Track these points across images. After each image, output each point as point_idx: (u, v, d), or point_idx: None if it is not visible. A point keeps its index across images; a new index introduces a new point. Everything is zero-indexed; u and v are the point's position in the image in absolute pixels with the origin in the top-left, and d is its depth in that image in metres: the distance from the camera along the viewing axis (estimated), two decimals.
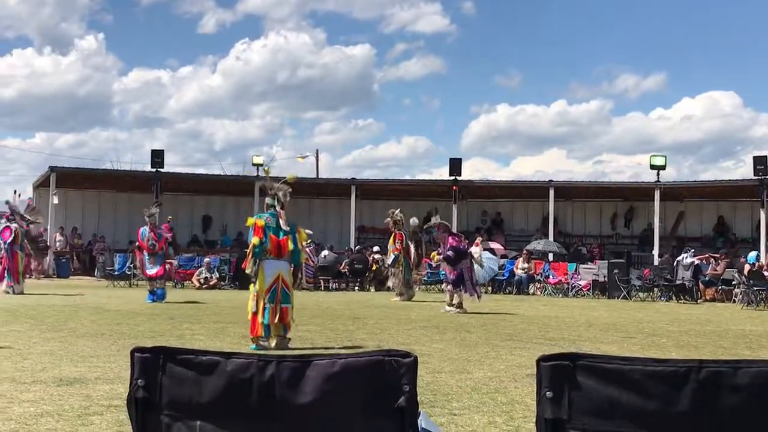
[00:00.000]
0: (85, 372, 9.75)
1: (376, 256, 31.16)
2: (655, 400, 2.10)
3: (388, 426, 2.20)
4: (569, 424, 2.15)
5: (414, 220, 26.60)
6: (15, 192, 26.95)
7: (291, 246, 12.94)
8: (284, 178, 13.72)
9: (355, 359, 2.22)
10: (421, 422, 2.53)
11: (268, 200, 13.38)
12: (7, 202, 26.85)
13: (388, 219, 26.35)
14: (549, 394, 2.15)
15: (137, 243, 23.29)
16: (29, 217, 25.29)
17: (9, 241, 24.07)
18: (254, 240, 12.82)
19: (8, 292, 23.34)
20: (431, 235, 23.54)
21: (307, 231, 29.49)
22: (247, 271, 13.10)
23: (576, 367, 2.15)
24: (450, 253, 20.25)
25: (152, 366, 2.25)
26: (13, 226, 24.34)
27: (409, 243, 25.86)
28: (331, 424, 2.21)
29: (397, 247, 25.54)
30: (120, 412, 7.50)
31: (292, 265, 13.29)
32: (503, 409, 8.03)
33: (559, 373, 2.15)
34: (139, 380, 2.25)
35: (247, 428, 2.21)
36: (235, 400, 2.21)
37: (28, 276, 25.44)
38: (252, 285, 12.96)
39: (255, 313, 12.60)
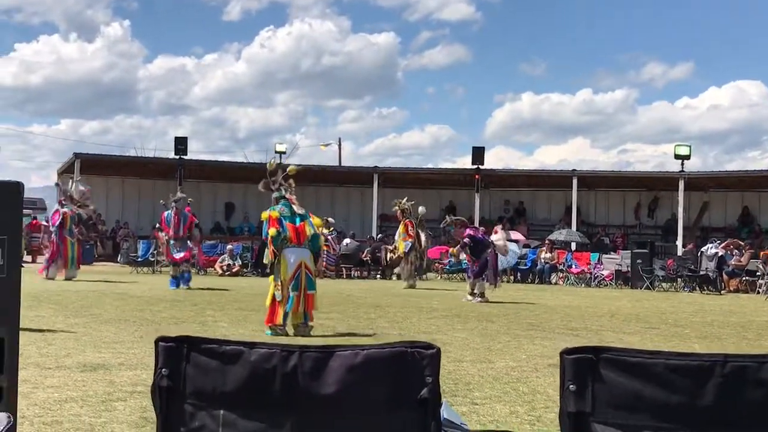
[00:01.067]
0: (108, 358, 9.82)
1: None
2: (679, 394, 2.09)
3: (410, 417, 2.20)
4: (592, 418, 2.14)
5: (422, 209, 26.58)
6: (72, 179, 26.88)
7: (310, 230, 13.01)
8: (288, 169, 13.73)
9: (378, 350, 2.23)
10: (444, 412, 2.54)
11: (275, 195, 13.34)
12: (57, 185, 26.87)
13: (396, 208, 26.40)
14: (572, 387, 2.14)
15: (159, 226, 23.32)
16: (80, 202, 25.21)
17: (57, 224, 24.13)
18: (271, 231, 12.89)
19: (52, 278, 23.42)
20: (449, 234, 23.54)
21: (330, 219, 29.78)
22: (265, 261, 13.19)
23: (599, 360, 2.14)
24: (466, 239, 20.29)
25: (176, 355, 2.26)
26: (63, 210, 24.37)
27: (419, 231, 25.87)
28: (354, 415, 2.22)
29: (410, 234, 25.54)
30: (143, 398, 7.56)
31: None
32: (525, 399, 8.03)
33: (583, 366, 2.14)
34: (164, 369, 2.26)
35: (270, 418, 2.22)
36: (258, 389, 2.22)
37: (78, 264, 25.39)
38: (273, 275, 13.01)
39: (279, 302, 12.65)
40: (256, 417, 2.23)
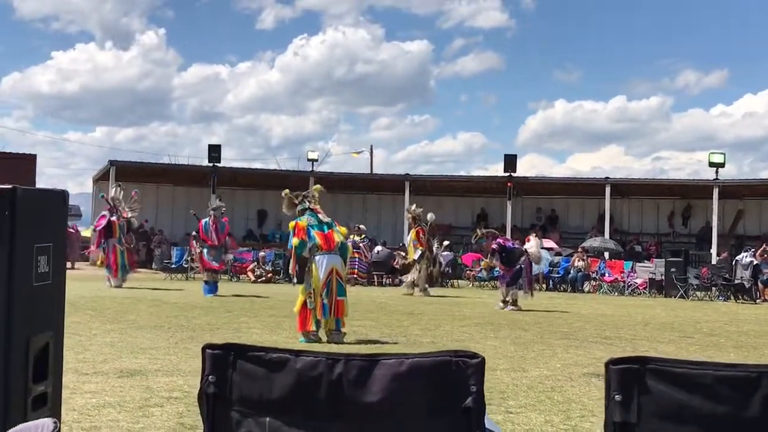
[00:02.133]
0: (145, 364, 9.90)
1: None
2: (726, 405, 2.08)
3: (455, 426, 2.21)
4: (638, 428, 2.14)
5: (431, 216, 26.53)
6: (119, 185, 26.98)
7: (339, 237, 13.15)
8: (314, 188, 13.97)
9: (422, 359, 2.24)
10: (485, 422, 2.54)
11: (299, 208, 13.44)
12: (102, 196, 27.04)
13: (408, 215, 26.40)
14: (618, 397, 2.14)
15: (195, 233, 23.40)
16: (128, 209, 25.34)
17: (100, 228, 24.28)
18: (294, 241, 13.06)
19: (111, 286, 23.65)
20: (480, 245, 23.50)
21: (361, 226, 29.85)
22: (290, 272, 13.34)
23: (645, 370, 2.14)
24: (495, 246, 20.29)
25: (223, 362, 2.29)
26: (112, 218, 24.52)
27: (430, 238, 25.80)
28: (398, 424, 2.23)
29: (422, 241, 25.49)
30: (180, 404, 7.62)
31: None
32: (560, 408, 8.00)
33: (629, 377, 2.14)
34: (210, 376, 2.28)
35: (316, 426, 2.24)
36: (303, 397, 2.24)
37: (133, 270, 25.56)
38: (303, 284, 13.11)
39: (311, 310, 12.73)
40: (302, 424, 2.25)
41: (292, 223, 13.39)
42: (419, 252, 25.44)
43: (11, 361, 3.22)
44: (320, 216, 13.25)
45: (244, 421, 2.28)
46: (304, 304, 12.81)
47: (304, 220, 13.14)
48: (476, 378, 2.21)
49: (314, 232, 12.97)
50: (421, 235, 25.56)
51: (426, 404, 2.22)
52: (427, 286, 25.06)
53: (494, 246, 20.29)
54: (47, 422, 2.50)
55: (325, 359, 2.24)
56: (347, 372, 2.22)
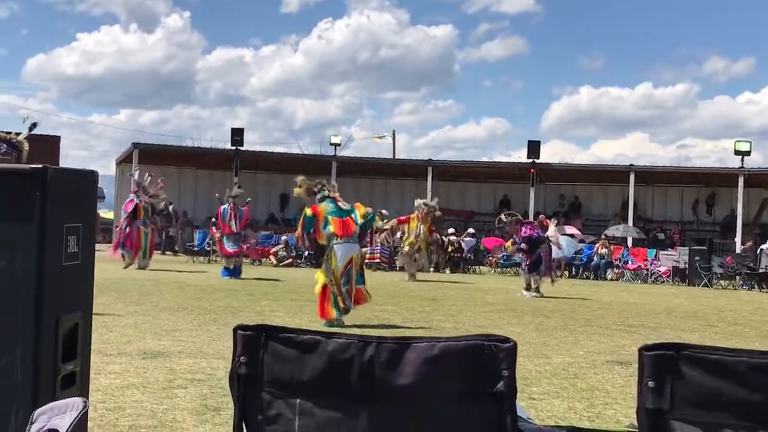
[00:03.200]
0: (168, 345, 9.96)
1: (452, 237, 31.13)
2: (761, 393, 2.06)
3: (486, 410, 2.21)
4: (670, 415, 2.13)
5: (418, 202, 26.56)
6: (148, 174, 27.11)
7: (358, 221, 13.17)
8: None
9: (454, 342, 2.23)
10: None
11: (319, 196, 13.47)
12: (130, 175, 27.21)
13: (425, 208, 26.45)
14: (651, 383, 2.13)
15: (215, 220, 23.54)
16: (153, 192, 25.48)
17: (129, 211, 24.44)
18: (307, 211, 13.14)
19: (126, 267, 23.80)
20: (504, 230, 23.42)
21: (383, 211, 29.84)
22: (299, 243, 13.40)
23: (679, 357, 2.12)
24: (523, 245, 20.23)
25: (254, 343, 2.29)
26: (137, 200, 24.68)
27: (422, 225, 25.63)
28: (430, 407, 2.22)
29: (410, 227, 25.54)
30: (203, 386, 7.67)
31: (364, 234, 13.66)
32: (583, 396, 7.99)
33: (662, 363, 2.12)
34: (242, 357, 2.29)
35: (347, 408, 2.24)
36: (335, 379, 2.24)
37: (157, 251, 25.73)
38: (322, 271, 13.12)
39: (333, 296, 12.77)
40: (333, 406, 2.25)
41: (309, 210, 13.38)
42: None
43: (41, 341, 3.25)
44: (340, 204, 13.28)
45: (275, 403, 2.29)
46: (324, 287, 12.85)
47: (324, 207, 13.18)
48: (508, 362, 2.21)
49: (333, 218, 12.99)
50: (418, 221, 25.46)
51: (457, 388, 2.21)
52: (414, 270, 24.99)
53: (523, 245, 20.20)
54: (77, 401, 2.52)
55: (356, 341, 2.24)
56: (379, 355, 2.22)
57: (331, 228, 12.92)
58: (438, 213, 27.05)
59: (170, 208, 33.72)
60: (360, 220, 13.31)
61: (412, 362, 2.20)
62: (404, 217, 26.37)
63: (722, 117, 73.24)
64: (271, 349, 2.28)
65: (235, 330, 2.33)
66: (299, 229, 13.62)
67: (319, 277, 13.14)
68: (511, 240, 21.57)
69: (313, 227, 13.12)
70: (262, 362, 2.28)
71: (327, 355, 2.24)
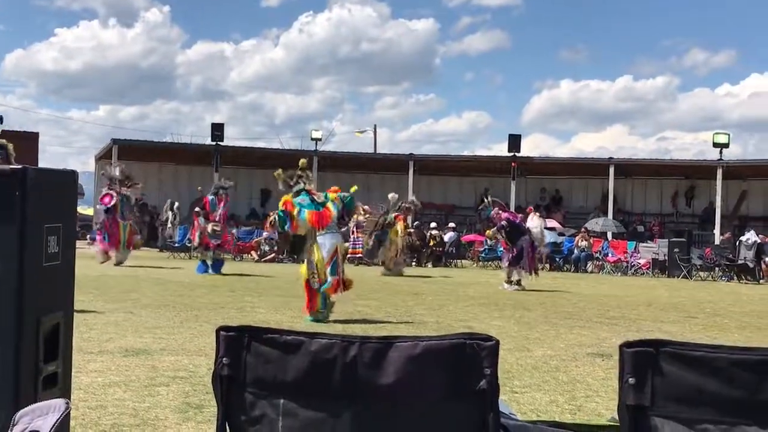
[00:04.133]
0: (149, 343, 9.93)
1: (433, 231, 31.18)
2: (741, 389, 2.08)
3: (469, 408, 2.22)
4: (651, 411, 2.14)
5: (393, 195, 26.71)
6: (111, 164, 26.92)
7: (333, 211, 13.18)
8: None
9: (437, 342, 2.24)
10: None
11: (295, 189, 13.46)
12: (103, 173, 27.04)
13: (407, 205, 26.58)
14: (632, 380, 2.14)
15: (201, 209, 23.27)
16: (127, 182, 25.27)
17: (111, 205, 24.25)
18: (279, 206, 13.16)
19: (103, 262, 23.68)
20: (486, 216, 23.38)
21: (365, 207, 29.84)
22: (273, 225, 13.33)
23: (660, 353, 2.14)
24: (503, 223, 20.21)
25: (237, 344, 2.29)
26: (114, 193, 24.50)
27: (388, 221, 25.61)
28: (413, 405, 2.23)
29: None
30: (185, 383, 7.65)
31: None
32: (565, 389, 8.02)
33: (643, 360, 2.14)
34: (224, 358, 2.29)
35: (330, 407, 2.24)
36: (318, 379, 2.25)
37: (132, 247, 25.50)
38: (304, 265, 13.16)
39: (316, 289, 12.78)
40: (316, 406, 2.25)
41: (285, 197, 13.36)
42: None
43: (22, 341, 3.23)
44: (314, 196, 13.26)
45: (258, 403, 2.29)
46: (308, 282, 12.86)
47: (299, 202, 13.13)
48: (490, 360, 2.21)
49: (308, 211, 12.97)
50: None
51: (440, 386, 2.22)
52: (391, 266, 24.97)
53: (503, 222, 20.22)
54: (59, 402, 2.51)
55: (339, 341, 2.24)
56: (362, 354, 2.22)
57: (306, 216, 12.90)
58: (417, 205, 27.12)
59: (144, 199, 33.40)
60: (338, 204, 13.34)
61: (395, 361, 2.21)
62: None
63: (702, 109, 73.72)
64: (254, 350, 2.28)
65: (217, 331, 2.32)
66: (273, 217, 13.44)
67: (302, 271, 13.16)
68: (495, 228, 21.47)
69: (288, 223, 13.06)
70: (245, 363, 2.29)
71: (310, 356, 2.24)
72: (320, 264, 12.82)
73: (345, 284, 13.14)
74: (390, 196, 26.74)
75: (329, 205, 13.28)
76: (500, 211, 20.79)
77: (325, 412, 2.24)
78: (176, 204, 33.55)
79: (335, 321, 12.67)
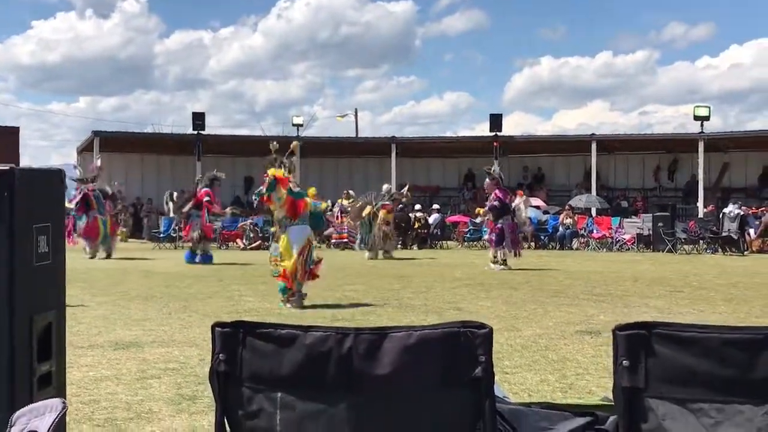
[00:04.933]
0: (139, 335, 9.92)
1: (419, 214, 31.22)
2: (733, 368, 2.11)
3: (465, 396, 2.24)
4: (646, 393, 2.17)
5: (388, 186, 26.94)
6: (75, 166, 26.81)
7: (309, 206, 13.19)
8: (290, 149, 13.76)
9: (431, 331, 2.26)
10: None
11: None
12: (75, 167, 26.92)
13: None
14: (625, 362, 2.17)
15: (208, 199, 23.04)
16: (89, 177, 25.14)
17: (78, 201, 24.12)
18: (272, 173, 13.07)
19: (92, 257, 23.66)
20: (481, 185, 23.14)
21: (350, 191, 29.84)
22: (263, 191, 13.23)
23: (652, 335, 2.16)
24: (496, 203, 20.18)
25: (233, 340, 2.30)
26: (83, 190, 24.39)
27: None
28: (409, 395, 2.25)
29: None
30: (177, 375, 7.65)
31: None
32: (555, 367, 8.06)
33: (636, 342, 2.16)
34: (221, 354, 2.30)
35: (327, 399, 2.26)
36: (314, 372, 2.26)
37: (113, 237, 25.39)
38: (278, 253, 13.18)
39: (279, 276, 12.84)
40: (314, 398, 2.27)
41: (272, 171, 13.20)
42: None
43: (16, 342, 3.23)
44: (291, 186, 13.18)
45: (256, 397, 2.30)
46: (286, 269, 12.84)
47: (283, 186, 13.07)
48: (484, 348, 2.23)
49: (287, 197, 12.95)
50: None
51: (436, 375, 2.24)
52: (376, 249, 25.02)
53: (495, 203, 20.17)
54: (56, 402, 2.51)
55: (334, 334, 2.26)
56: (357, 346, 2.24)
57: (284, 198, 12.86)
58: (408, 198, 27.46)
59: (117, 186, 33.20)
60: (310, 206, 13.36)
61: (390, 352, 2.22)
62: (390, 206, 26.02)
63: (682, 83, 73.76)
64: (250, 345, 2.29)
65: (213, 327, 2.34)
66: (264, 186, 13.31)
67: (284, 257, 13.11)
68: (485, 209, 21.32)
69: (274, 190, 12.95)
70: (241, 358, 2.30)
71: (305, 349, 2.25)
72: (288, 255, 12.79)
73: (312, 273, 13.09)
74: (385, 187, 26.68)
75: (307, 199, 13.28)
76: (495, 188, 20.54)
77: (322, 404, 2.25)
78: (175, 194, 33.39)
79: (322, 305, 12.69)
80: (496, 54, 79.86)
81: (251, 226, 30.41)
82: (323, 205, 14.17)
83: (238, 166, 40.98)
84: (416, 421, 2.26)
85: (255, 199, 13.73)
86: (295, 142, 14.25)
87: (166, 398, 6.80)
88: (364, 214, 25.28)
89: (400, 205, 28.37)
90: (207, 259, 22.30)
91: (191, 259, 22.21)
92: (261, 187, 13.30)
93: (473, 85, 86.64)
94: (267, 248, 28.87)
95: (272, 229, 13.77)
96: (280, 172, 13.10)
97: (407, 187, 28.85)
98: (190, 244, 22.85)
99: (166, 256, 25.28)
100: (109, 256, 23.82)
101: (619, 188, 40.08)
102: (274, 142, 13.60)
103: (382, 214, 25.03)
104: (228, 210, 22.77)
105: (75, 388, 7.06)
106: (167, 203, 31.36)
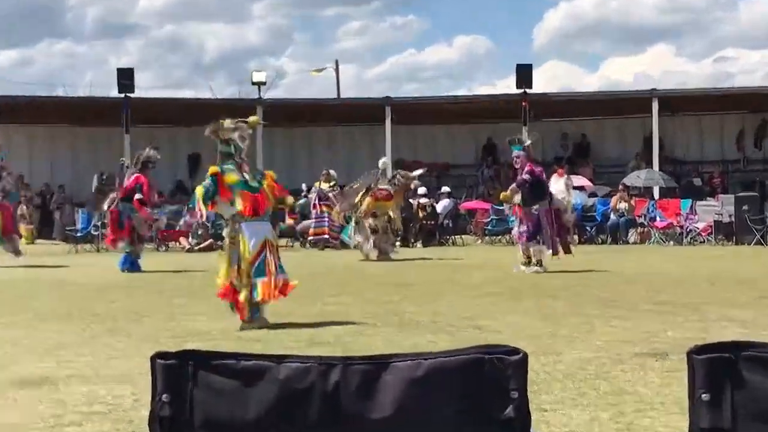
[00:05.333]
0: (53, 369, 9.91)
1: (423, 200, 31.06)
2: None
3: None
4: None
5: (385, 161, 26.96)
6: None
7: (270, 200, 13.16)
8: (248, 119, 13.68)
9: (445, 359, 2.25)
10: None
11: (222, 148, 13.27)
12: None
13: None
14: (705, 396, 2.17)
15: (141, 197, 23.02)
16: None
17: None
18: (199, 190, 13.00)
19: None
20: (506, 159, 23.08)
21: (331, 171, 29.92)
22: (202, 209, 13.22)
23: (740, 359, 2.16)
24: (526, 176, 19.93)
25: (179, 375, 2.29)
26: None
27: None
28: None
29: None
30: (105, 421, 7.65)
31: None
32: (609, 402, 8.07)
33: (719, 369, 2.16)
34: (164, 395, 2.29)
35: None
36: (290, 416, 2.26)
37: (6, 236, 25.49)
38: (225, 259, 13.04)
39: (238, 292, 12.70)
40: None
41: (213, 168, 13.16)
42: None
43: None
44: (245, 173, 13.06)
45: None
46: (232, 284, 12.76)
47: (232, 176, 12.98)
48: (517, 380, 2.23)
49: (239, 191, 12.85)
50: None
51: (453, 418, 2.24)
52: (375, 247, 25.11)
53: (525, 176, 19.94)
54: None
55: (316, 365, 2.25)
56: (346, 380, 2.23)
57: (238, 206, 12.81)
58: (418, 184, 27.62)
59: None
60: (273, 202, 13.32)
61: (391, 388, 2.22)
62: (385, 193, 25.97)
63: None
64: (203, 382, 2.29)
65: (152, 359, 2.33)
66: (200, 202, 13.29)
67: (220, 266, 13.01)
68: (511, 187, 21.01)
69: (217, 193, 12.93)
70: (192, 399, 2.29)
71: (278, 385, 2.25)
72: (246, 256, 12.71)
73: (281, 286, 12.98)
74: (381, 162, 26.68)
75: (265, 190, 13.14)
76: (526, 161, 20.31)
77: None
78: (104, 176, 33.28)
79: (298, 325, 12.67)
80: None
81: (200, 222, 30.42)
82: (289, 201, 14.14)
83: (180, 140, 40.96)
84: None
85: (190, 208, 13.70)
86: (254, 117, 14.19)
87: None
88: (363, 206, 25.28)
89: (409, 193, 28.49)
90: (133, 265, 22.18)
91: (131, 266, 22.01)
92: (195, 195, 13.23)
93: (493, 27, 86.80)
94: (220, 248, 28.94)
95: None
96: (230, 179, 12.98)
97: (422, 170, 28.59)
98: (130, 247, 22.72)
99: (86, 262, 25.30)
100: (17, 254, 24.00)
101: (690, 161, 40.14)
102: (227, 120, 13.45)
103: (367, 202, 25.01)
104: (163, 219, 22.50)
105: None
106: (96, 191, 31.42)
